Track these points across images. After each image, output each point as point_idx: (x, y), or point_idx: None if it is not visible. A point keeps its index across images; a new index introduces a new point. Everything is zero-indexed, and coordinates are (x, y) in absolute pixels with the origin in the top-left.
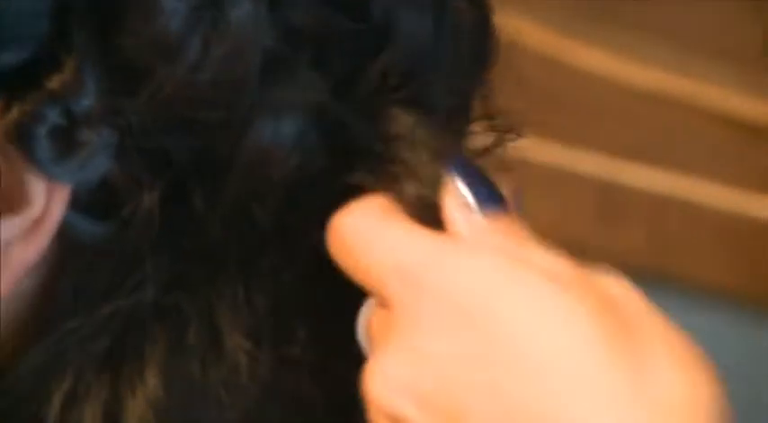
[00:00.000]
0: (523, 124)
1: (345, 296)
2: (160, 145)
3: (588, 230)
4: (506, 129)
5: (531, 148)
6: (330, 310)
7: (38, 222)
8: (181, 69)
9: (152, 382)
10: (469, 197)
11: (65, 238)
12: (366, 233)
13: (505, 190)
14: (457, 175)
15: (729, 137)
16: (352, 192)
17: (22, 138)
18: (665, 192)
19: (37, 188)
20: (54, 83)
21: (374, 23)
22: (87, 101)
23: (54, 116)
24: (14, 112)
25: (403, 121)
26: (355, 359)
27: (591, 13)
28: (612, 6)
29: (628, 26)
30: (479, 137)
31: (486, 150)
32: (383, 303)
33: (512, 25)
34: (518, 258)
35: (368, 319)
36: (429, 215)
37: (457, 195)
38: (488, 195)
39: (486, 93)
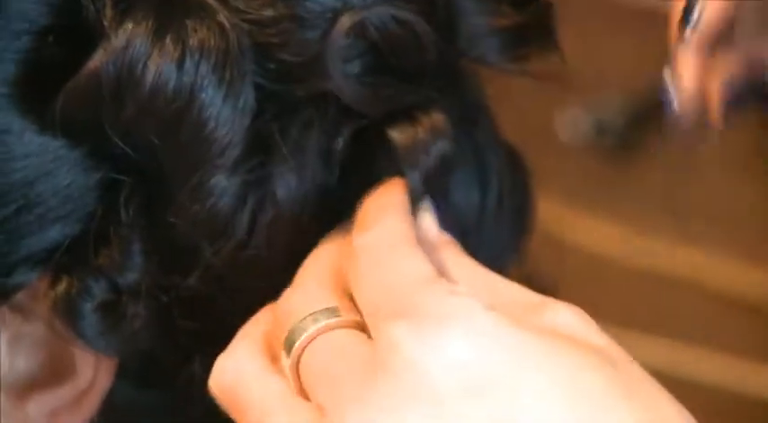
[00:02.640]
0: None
1: None
2: (207, 317)
3: None
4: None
5: None
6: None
7: (84, 393)
8: (228, 247)
9: None
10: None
11: (109, 405)
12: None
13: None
14: (432, 202)
15: (727, 311)
16: None
17: (69, 312)
18: (675, 370)
19: (84, 360)
20: (101, 258)
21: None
22: (134, 276)
23: (101, 291)
24: (62, 287)
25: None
26: None
27: (598, 186)
28: (620, 180)
29: (635, 199)
30: None
31: None
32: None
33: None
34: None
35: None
36: None
37: (431, 213)
38: (447, 226)
39: (522, 257)
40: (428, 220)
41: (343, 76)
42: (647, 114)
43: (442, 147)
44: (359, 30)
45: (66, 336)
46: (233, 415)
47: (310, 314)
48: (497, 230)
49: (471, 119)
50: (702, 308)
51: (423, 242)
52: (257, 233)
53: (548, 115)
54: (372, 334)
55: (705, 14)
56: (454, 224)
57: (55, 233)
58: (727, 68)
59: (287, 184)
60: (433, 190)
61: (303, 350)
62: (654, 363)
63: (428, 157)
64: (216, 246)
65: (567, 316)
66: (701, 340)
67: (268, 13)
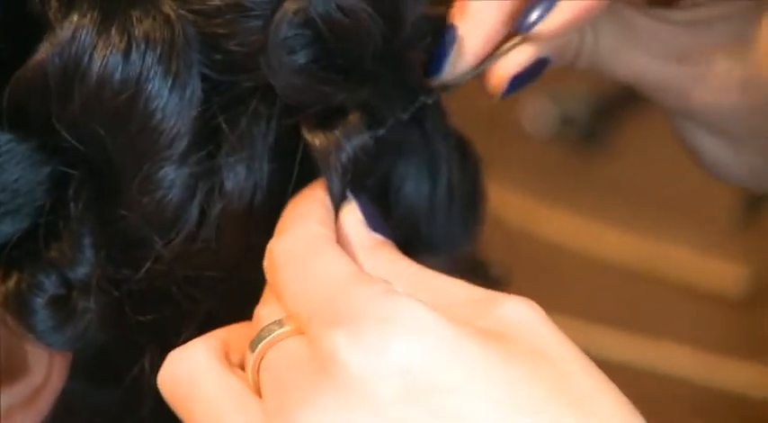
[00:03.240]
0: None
1: None
2: (159, 311)
3: None
4: (493, 280)
5: None
6: None
7: (38, 391)
8: (178, 239)
9: None
10: (365, 220)
11: (62, 403)
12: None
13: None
14: (359, 202)
15: (701, 306)
16: None
17: (20, 308)
18: (639, 362)
19: (38, 357)
20: (52, 252)
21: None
22: (85, 270)
23: (52, 286)
24: (12, 282)
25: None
26: None
27: (563, 178)
28: (587, 172)
29: (600, 191)
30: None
31: None
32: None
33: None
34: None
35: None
36: None
37: (356, 213)
38: (380, 227)
39: (476, 245)
40: (352, 221)
41: (281, 68)
42: (613, 107)
43: (356, 145)
44: (302, 19)
45: (18, 332)
46: (178, 409)
47: (268, 324)
48: (449, 220)
49: (419, 108)
50: (664, 299)
51: (351, 245)
52: (206, 225)
53: (513, 106)
54: (310, 343)
55: None
56: (404, 214)
57: (5, 228)
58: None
59: (235, 176)
60: (359, 188)
61: (261, 358)
62: (615, 354)
63: (342, 156)
64: (166, 238)
65: (515, 309)
66: (662, 331)
67: (213, 2)
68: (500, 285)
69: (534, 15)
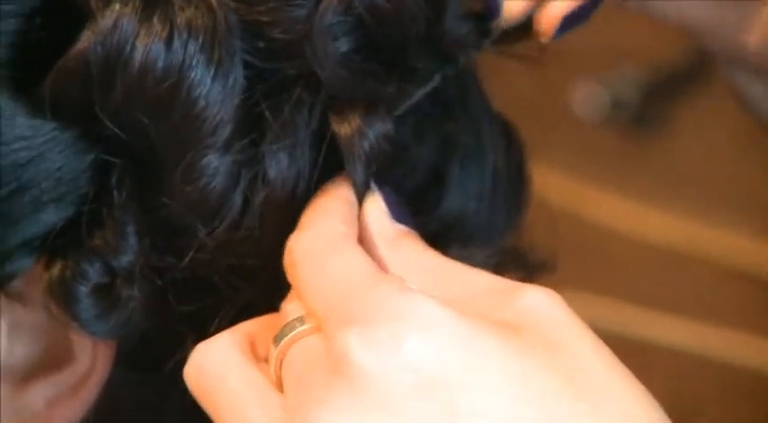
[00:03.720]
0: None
1: None
2: (201, 301)
3: None
4: (538, 265)
5: None
6: None
7: (83, 379)
8: (221, 227)
9: None
10: (389, 210)
11: (107, 392)
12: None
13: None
14: (383, 192)
15: (750, 291)
16: None
17: (64, 296)
18: (687, 345)
19: (82, 346)
20: (95, 240)
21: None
22: (128, 258)
23: (95, 274)
24: (56, 270)
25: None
26: None
27: (614, 162)
28: (637, 155)
29: (651, 175)
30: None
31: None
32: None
33: (537, 177)
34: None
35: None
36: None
37: (379, 204)
38: (403, 217)
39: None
40: (375, 212)
41: (326, 57)
42: (663, 90)
43: (379, 133)
44: (345, 5)
45: (63, 321)
46: (203, 402)
47: (290, 321)
48: (492, 210)
49: (464, 93)
50: (713, 283)
51: (373, 236)
52: (250, 213)
53: (563, 90)
54: (326, 342)
55: None
56: (449, 206)
57: (49, 216)
58: None
59: (278, 164)
60: (385, 177)
61: (284, 354)
62: (663, 338)
63: (365, 145)
64: (209, 226)
65: (535, 300)
66: (711, 315)
67: None
68: (544, 270)
69: None
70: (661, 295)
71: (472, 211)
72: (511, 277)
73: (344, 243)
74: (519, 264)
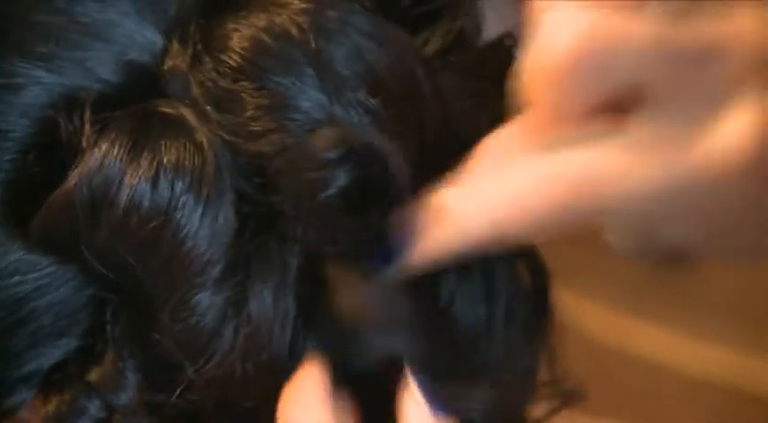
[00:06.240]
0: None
1: None
2: None
3: None
4: (570, 394)
5: None
6: None
7: None
8: (209, 365)
9: None
10: (425, 401)
11: None
12: None
13: None
14: (420, 383)
15: None
16: None
17: None
18: None
19: None
20: (93, 375)
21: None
22: (127, 394)
23: (95, 410)
24: (53, 405)
25: None
26: None
27: (653, 291)
28: (674, 284)
29: (692, 305)
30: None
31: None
32: None
33: (572, 304)
34: None
35: None
36: None
37: (416, 398)
38: (441, 406)
39: (552, 358)
40: (414, 409)
41: (310, 203)
42: None
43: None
44: (337, 155)
45: None
46: None
47: None
48: (507, 341)
49: None
50: (762, 417)
51: None
52: (235, 352)
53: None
54: None
55: None
56: (456, 338)
57: (50, 350)
58: None
59: (262, 302)
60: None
61: None
62: None
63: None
64: (197, 364)
65: None
66: None
67: (254, 127)
68: (576, 398)
69: None
70: None
71: (479, 343)
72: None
73: None
74: (552, 392)
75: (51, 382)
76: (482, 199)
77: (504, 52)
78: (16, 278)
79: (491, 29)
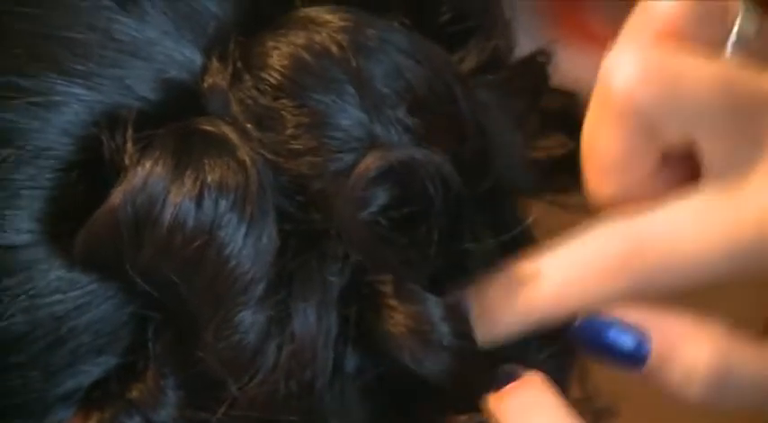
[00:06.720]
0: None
1: None
2: None
3: None
4: (602, 412)
5: None
6: None
7: None
8: (253, 383)
9: None
10: None
11: None
12: None
13: None
14: None
15: None
16: None
17: None
18: None
19: None
20: (134, 393)
21: None
22: (168, 411)
23: None
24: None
25: None
26: None
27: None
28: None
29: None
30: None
31: None
32: None
33: None
34: None
35: None
36: None
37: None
38: None
39: (584, 375)
40: None
41: (352, 218)
42: None
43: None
44: (381, 173)
45: None
46: None
47: None
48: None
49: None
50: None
51: None
52: (279, 370)
53: None
54: None
55: None
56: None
57: (89, 368)
58: None
59: (306, 320)
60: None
61: None
62: None
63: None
64: (241, 381)
65: None
66: None
67: (294, 145)
68: (608, 415)
69: None
70: None
71: None
72: None
73: None
74: (584, 409)
75: (91, 399)
76: (573, 270)
77: (537, 69)
78: (57, 296)
79: (522, 47)
